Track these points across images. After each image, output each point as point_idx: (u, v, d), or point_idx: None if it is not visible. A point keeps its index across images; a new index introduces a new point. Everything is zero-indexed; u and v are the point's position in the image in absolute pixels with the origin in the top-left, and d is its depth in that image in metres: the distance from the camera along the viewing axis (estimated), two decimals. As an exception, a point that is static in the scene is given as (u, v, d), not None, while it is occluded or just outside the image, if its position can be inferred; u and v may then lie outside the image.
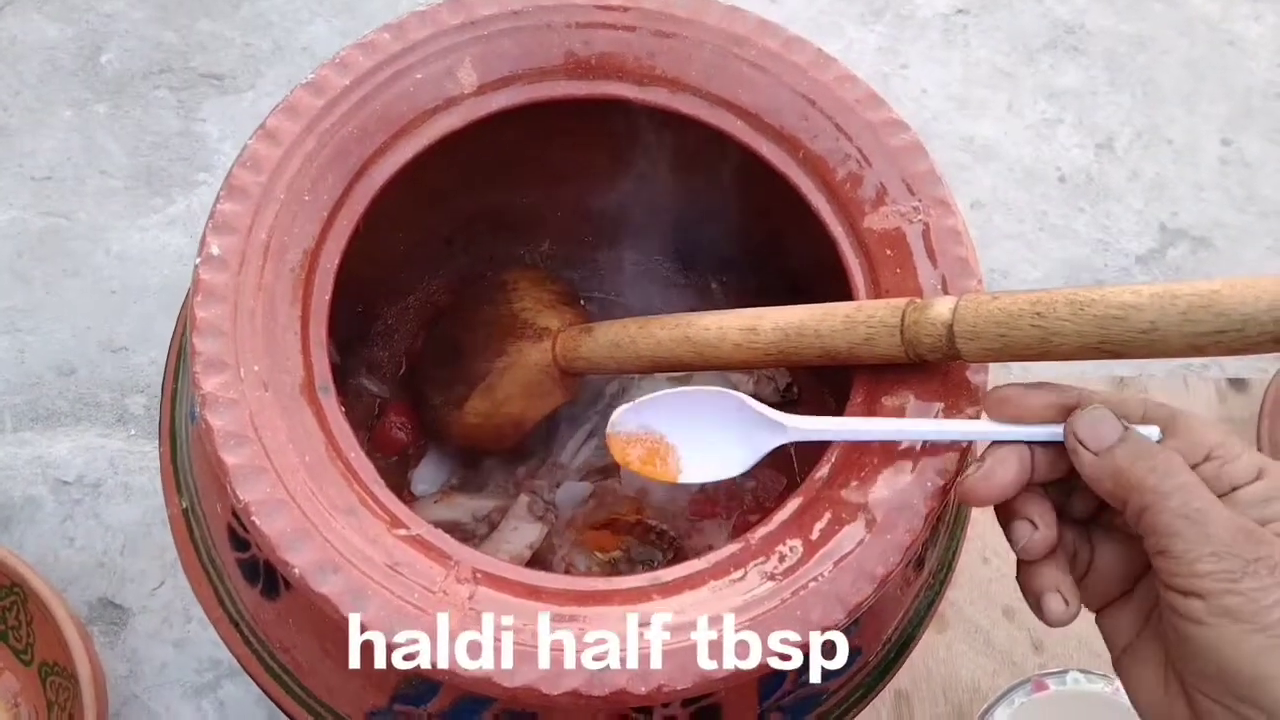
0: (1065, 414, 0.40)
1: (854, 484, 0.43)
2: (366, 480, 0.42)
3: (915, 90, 1.10)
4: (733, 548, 0.43)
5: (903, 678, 0.57)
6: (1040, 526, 0.40)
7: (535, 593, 0.41)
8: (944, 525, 0.51)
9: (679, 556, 0.61)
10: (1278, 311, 0.34)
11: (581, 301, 0.63)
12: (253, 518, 0.40)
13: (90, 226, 0.97)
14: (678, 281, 0.64)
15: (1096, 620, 0.44)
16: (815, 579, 0.40)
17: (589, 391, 0.63)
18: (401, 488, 0.63)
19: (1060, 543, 0.41)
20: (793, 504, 0.43)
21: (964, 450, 0.43)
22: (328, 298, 0.45)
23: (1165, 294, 0.37)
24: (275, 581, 0.45)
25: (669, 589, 0.41)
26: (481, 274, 0.64)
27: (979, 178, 1.06)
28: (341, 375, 0.64)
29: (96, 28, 1.07)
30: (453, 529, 0.60)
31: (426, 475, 0.63)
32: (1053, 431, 0.40)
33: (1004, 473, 0.40)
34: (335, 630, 0.39)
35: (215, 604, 0.48)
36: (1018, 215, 1.04)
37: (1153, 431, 0.39)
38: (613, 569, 0.60)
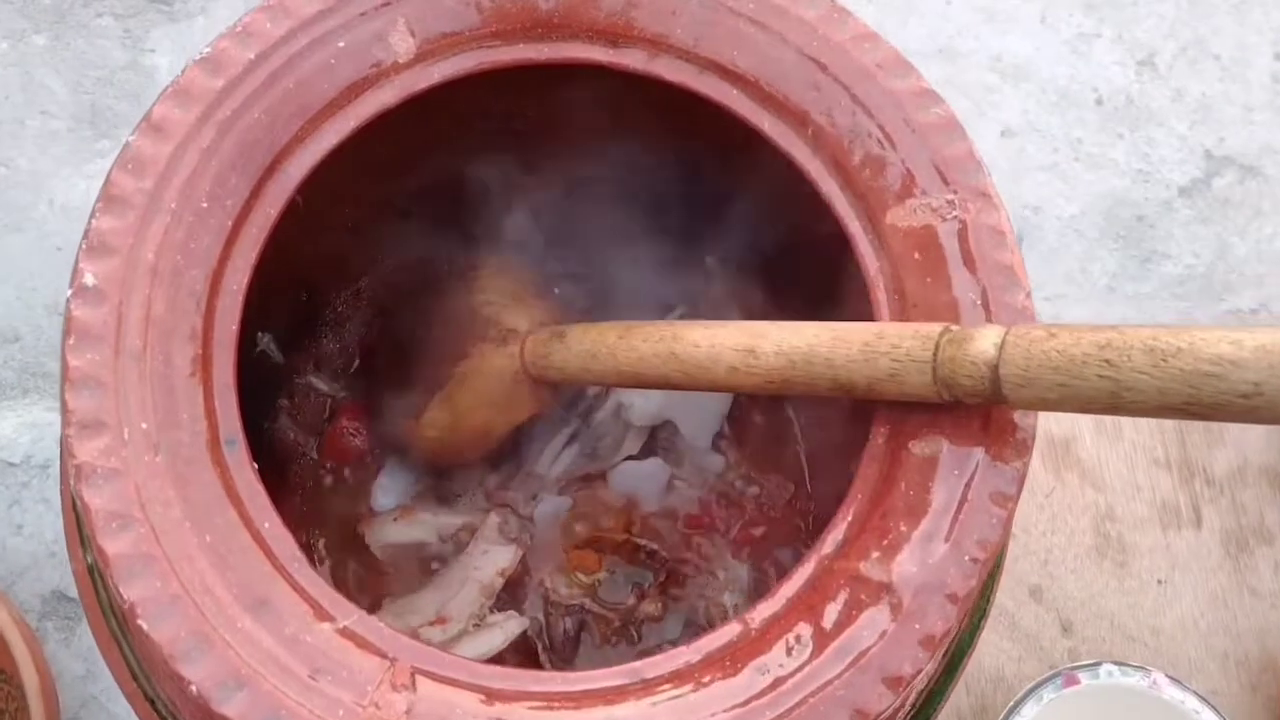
0: None
1: (875, 555, 0.35)
2: (283, 558, 0.35)
3: (940, 2, 1.00)
4: (730, 632, 0.35)
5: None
6: None
7: (489, 696, 0.34)
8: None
9: (671, 578, 0.54)
10: None
11: (555, 289, 0.55)
12: (139, 621, 0.32)
13: (31, 174, 0.89)
14: (668, 255, 0.56)
15: None
16: (827, 683, 0.33)
17: (568, 391, 0.56)
18: (361, 501, 0.56)
19: None
20: (802, 574, 0.36)
21: (1010, 511, 0.36)
22: (235, 327, 0.37)
23: (1275, 348, 0.29)
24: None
25: (649, 687, 0.34)
26: (444, 252, 0.56)
27: (1009, 100, 0.96)
28: (286, 374, 0.56)
29: (30, -53, 0.96)
30: (415, 550, 0.54)
31: (390, 485, 0.56)
32: None
33: None
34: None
35: (128, 677, 0.41)
36: (1051, 143, 0.95)
37: None
38: (595, 592, 0.53)
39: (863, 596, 0.35)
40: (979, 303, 0.38)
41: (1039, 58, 0.97)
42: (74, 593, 0.76)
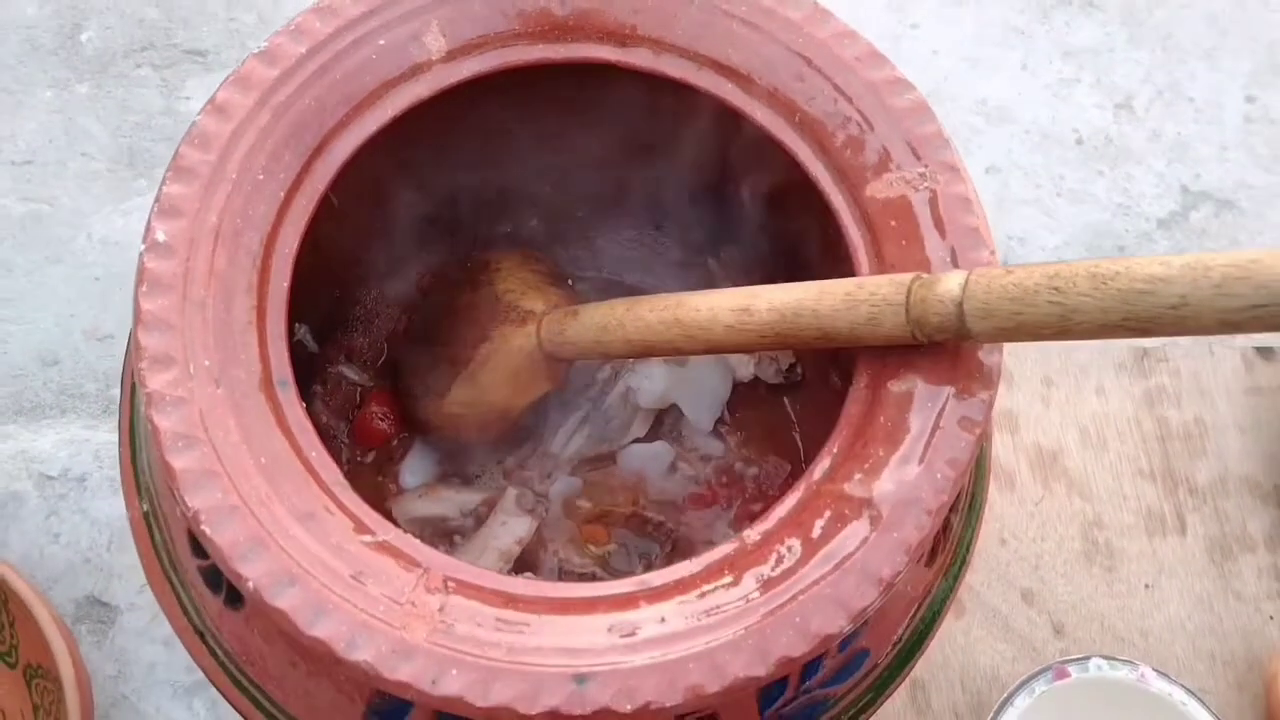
0: None
1: (858, 477, 0.39)
2: (328, 482, 0.39)
3: (926, 51, 1.06)
4: (727, 548, 0.39)
5: (919, 666, 0.54)
6: None
7: (512, 601, 0.38)
8: (958, 513, 0.48)
9: (677, 549, 0.57)
10: (1324, 282, 0.31)
11: (570, 281, 0.60)
12: (203, 526, 0.37)
13: (73, 211, 0.94)
14: (673, 257, 0.61)
15: None
16: (815, 583, 0.37)
17: (580, 377, 0.60)
18: (389, 480, 0.60)
19: None
20: (792, 498, 0.40)
21: (978, 436, 0.40)
22: (286, 284, 0.42)
23: (1197, 265, 0.33)
24: (238, 590, 0.42)
25: (657, 594, 0.38)
26: (465, 253, 0.60)
27: (994, 141, 1.02)
28: (319, 363, 0.61)
29: (76, 4, 1.03)
30: (438, 524, 0.57)
31: (416, 466, 0.60)
32: None
33: None
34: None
35: (179, 614, 0.45)
36: (1034, 180, 1.00)
37: None
38: (605, 563, 0.57)
39: (846, 511, 0.39)
40: (949, 260, 0.43)
41: (1021, 101, 1.03)
42: (107, 597, 0.79)
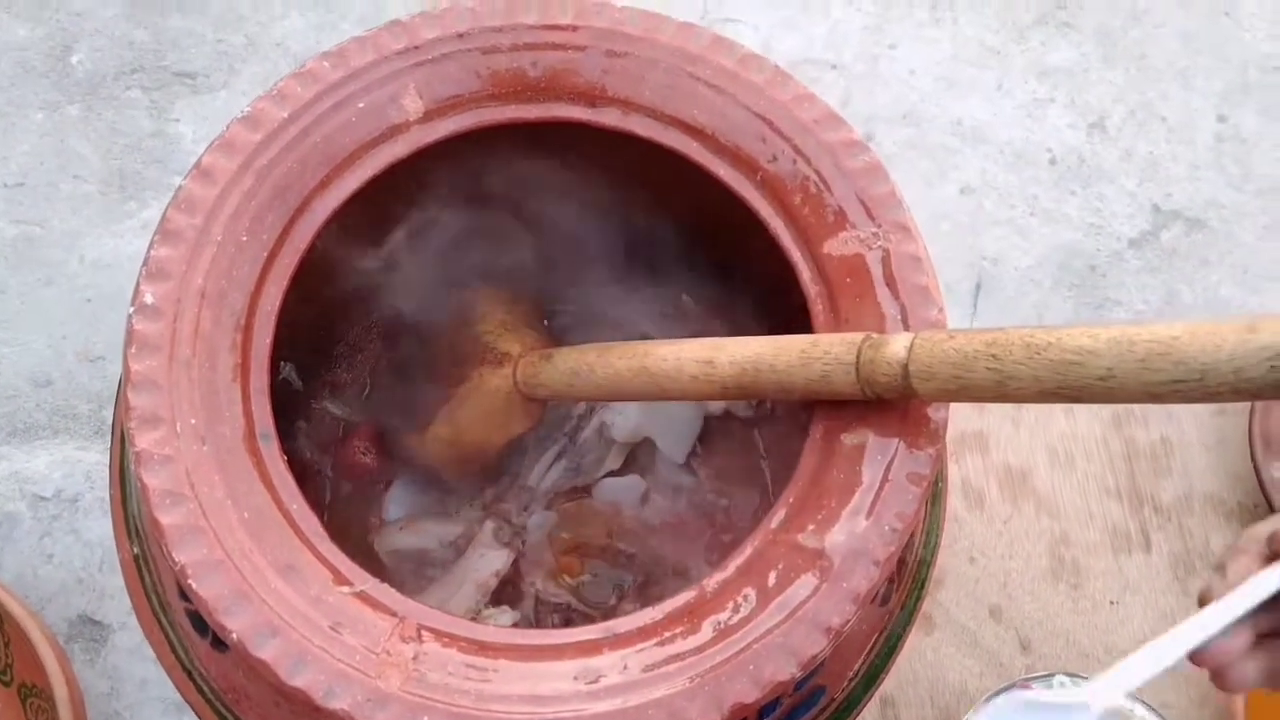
0: None
1: (811, 528, 0.41)
2: (308, 534, 0.41)
3: (903, 71, 1.07)
4: (687, 595, 0.41)
5: (889, 682, 0.56)
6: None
7: (483, 649, 0.40)
8: (912, 550, 0.50)
9: (649, 580, 0.60)
10: (1239, 362, 0.33)
11: (545, 321, 0.62)
12: (189, 580, 0.39)
13: (64, 234, 0.96)
14: (646, 295, 0.63)
15: None
16: (768, 632, 0.39)
17: (556, 413, 0.62)
18: (372, 512, 0.62)
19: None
20: (749, 548, 0.42)
21: (925, 489, 0.42)
22: (268, 340, 0.44)
23: (1123, 339, 0.35)
24: (223, 634, 0.44)
25: (621, 641, 0.40)
26: (445, 293, 0.62)
27: (968, 161, 1.04)
28: (304, 399, 0.63)
29: (66, 27, 1.05)
30: (419, 556, 0.59)
31: (398, 499, 0.62)
32: None
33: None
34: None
35: (168, 651, 0.47)
36: (1008, 200, 1.02)
37: None
38: (579, 593, 0.59)
39: (800, 561, 0.41)
40: (899, 317, 0.45)
41: (996, 121, 1.05)
42: (99, 616, 0.82)
